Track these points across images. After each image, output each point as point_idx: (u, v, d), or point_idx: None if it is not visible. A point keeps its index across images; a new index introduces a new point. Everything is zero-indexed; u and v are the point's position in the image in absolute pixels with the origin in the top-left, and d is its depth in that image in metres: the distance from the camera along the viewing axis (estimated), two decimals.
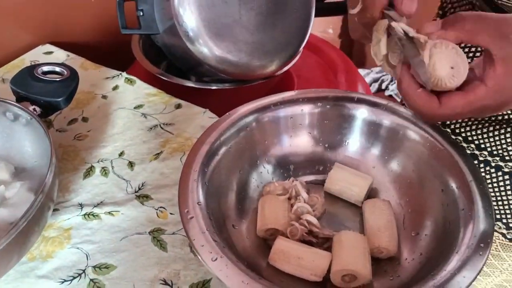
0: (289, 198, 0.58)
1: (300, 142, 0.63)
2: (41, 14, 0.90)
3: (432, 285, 0.42)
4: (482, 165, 0.62)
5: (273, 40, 0.80)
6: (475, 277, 0.43)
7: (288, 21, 0.81)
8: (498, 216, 0.63)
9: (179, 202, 0.49)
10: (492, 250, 0.65)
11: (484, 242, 0.45)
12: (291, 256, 0.50)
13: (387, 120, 0.59)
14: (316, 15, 0.87)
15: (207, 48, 0.76)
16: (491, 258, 0.66)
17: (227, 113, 0.60)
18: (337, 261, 0.49)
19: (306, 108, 0.62)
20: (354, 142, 0.62)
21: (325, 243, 0.54)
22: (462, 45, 0.52)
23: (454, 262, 0.44)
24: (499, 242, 0.64)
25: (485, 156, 0.61)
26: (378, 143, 0.60)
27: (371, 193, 0.60)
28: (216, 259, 0.44)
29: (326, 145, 0.63)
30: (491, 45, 0.41)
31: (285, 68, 0.86)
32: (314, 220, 0.54)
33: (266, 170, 0.62)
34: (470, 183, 0.51)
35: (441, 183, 0.53)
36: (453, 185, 0.52)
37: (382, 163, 0.60)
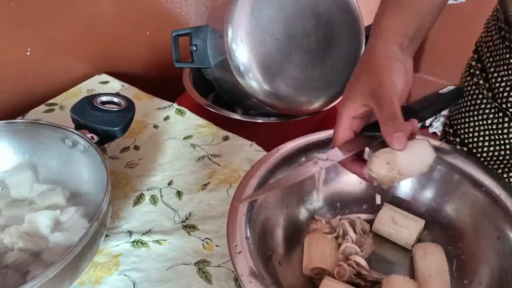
0: (336, 237, 0.57)
1: (348, 180, 0.62)
2: (98, 45, 0.95)
3: None
4: None
5: (321, 77, 0.81)
6: None
7: (337, 58, 0.82)
8: None
9: (227, 236, 0.49)
10: None
11: None
12: None
13: (441, 162, 0.57)
14: None
15: (256, 83, 0.78)
16: None
17: (276, 148, 0.61)
18: None
19: None
20: (405, 182, 0.61)
21: (373, 287, 0.53)
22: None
23: None
24: None
25: None
26: (430, 185, 0.59)
27: (422, 237, 0.58)
28: None
29: (375, 184, 0.62)
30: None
31: (332, 104, 0.87)
32: (363, 261, 0.53)
33: (313, 207, 0.61)
34: None
35: (497, 230, 0.51)
36: (510, 233, 0.50)
37: (434, 206, 0.58)
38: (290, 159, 0.60)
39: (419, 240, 0.57)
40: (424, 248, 0.54)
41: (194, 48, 0.83)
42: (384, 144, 0.45)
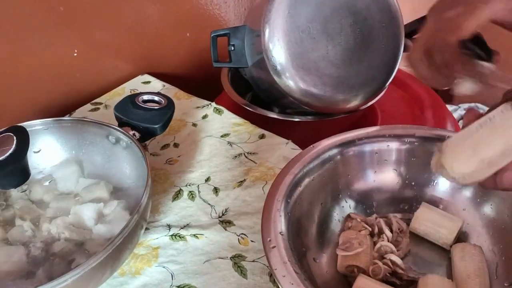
0: (372, 235, 0.57)
1: (385, 179, 0.62)
2: (141, 47, 0.98)
3: None
4: None
5: (359, 75, 0.80)
6: None
7: (375, 56, 0.81)
8: None
9: (262, 231, 0.50)
10: None
11: None
12: None
13: None
14: (405, 51, 0.87)
15: (293, 82, 0.78)
16: None
17: (311, 145, 0.61)
18: None
19: (393, 144, 0.61)
20: (443, 181, 0.60)
21: (409, 286, 0.52)
22: None
23: None
24: None
25: None
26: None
27: (461, 237, 0.57)
28: None
29: (413, 183, 0.62)
30: None
31: (370, 103, 0.86)
32: (398, 260, 0.52)
33: (348, 205, 0.61)
34: None
35: None
36: None
37: (474, 206, 0.57)
38: (325, 157, 0.60)
39: (457, 240, 0.56)
40: (463, 248, 0.53)
41: (232, 48, 0.84)
42: None
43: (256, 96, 0.98)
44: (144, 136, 0.65)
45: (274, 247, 0.48)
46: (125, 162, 0.64)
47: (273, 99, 0.93)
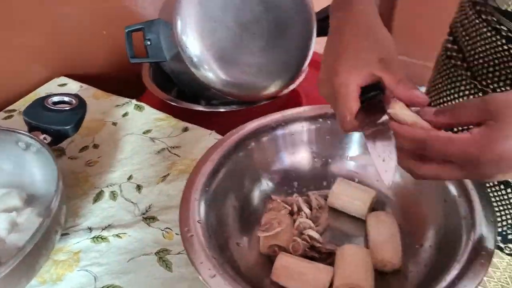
0: (292, 214, 0.58)
1: (301, 159, 0.63)
2: (54, 49, 0.94)
3: None
4: (502, 186, 0.56)
5: (276, 61, 0.82)
6: (477, 286, 0.42)
7: (290, 42, 0.82)
8: None
9: (180, 221, 0.50)
10: None
11: (485, 250, 0.45)
12: (293, 272, 0.50)
13: None
14: (319, 35, 0.89)
15: (211, 73, 0.78)
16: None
17: (228, 133, 0.62)
18: (339, 275, 0.49)
19: (306, 125, 0.63)
20: (355, 156, 0.62)
21: (329, 258, 0.54)
22: None
23: (455, 271, 0.43)
24: None
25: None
26: None
27: (376, 207, 0.60)
28: (214, 275, 0.44)
29: (329, 160, 0.64)
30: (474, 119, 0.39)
31: (290, 88, 0.88)
32: (316, 235, 0.54)
33: (269, 188, 0.62)
34: (471, 191, 0.50)
35: (443, 193, 0.53)
36: (455, 194, 0.52)
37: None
38: (244, 143, 0.61)
39: (373, 210, 0.58)
40: (376, 217, 0.56)
41: (148, 43, 0.83)
42: None
43: (181, 92, 0.97)
44: (56, 139, 0.63)
45: (192, 235, 0.48)
46: (37, 168, 0.61)
47: (197, 92, 0.93)
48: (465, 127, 0.54)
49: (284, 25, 0.81)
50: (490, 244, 0.45)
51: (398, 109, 0.41)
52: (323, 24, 1.06)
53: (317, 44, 0.90)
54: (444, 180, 0.40)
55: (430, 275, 0.48)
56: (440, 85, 0.68)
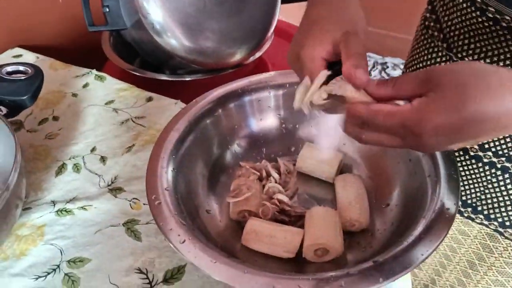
0: (260, 180, 0.58)
1: (269, 125, 0.63)
2: (8, 18, 0.89)
3: (399, 251, 0.43)
4: (487, 167, 0.56)
5: (240, 27, 0.80)
6: (441, 241, 0.43)
7: (254, 8, 0.81)
8: (508, 223, 0.58)
9: (146, 189, 0.49)
10: (505, 258, 0.61)
11: (450, 205, 0.46)
12: (263, 235, 0.50)
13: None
14: (283, 2, 0.88)
15: (174, 39, 0.76)
16: (505, 266, 0.62)
17: (194, 100, 0.60)
18: (309, 236, 0.50)
19: (273, 91, 0.62)
20: (323, 121, 0.62)
21: (298, 221, 0.54)
22: None
23: (420, 227, 0.45)
24: (511, 249, 0.60)
25: (490, 158, 0.55)
26: None
27: (344, 169, 0.60)
28: (184, 241, 0.44)
29: (297, 126, 0.64)
30: (416, 90, 0.38)
31: (256, 55, 0.86)
32: (285, 198, 0.54)
33: (238, 155, 0.62)
34: None
35: (408, 153, 0.54)
36: (419, 153, 0.52)
37: (351, 139, 0.60)
38: (211, 109, 0.60)
39: (341, 173, 0.59)
40: (344, 179, 0.56)
41: (107, 10, 0.79)
42: None
43: (145, 62, 0.94)
44: (13, 111, 0.60)
45: (159, 203, 0.48)
46: None
47: (161, 61, 0.90)
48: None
49: None
50: (454, 200, 0.46)
51: (340, 84, 0.41)
52: None
53: (283, 12, 0.89)
54: (387, 147, 0.41)
55: (396, 233, 0.49)
56: (417, 56, 0.68)
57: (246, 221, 0.53)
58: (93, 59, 0.91)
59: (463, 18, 0.57)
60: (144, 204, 0.59)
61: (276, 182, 0.57)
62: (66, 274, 0.51)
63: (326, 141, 0.48)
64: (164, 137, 0.55)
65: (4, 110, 0.59)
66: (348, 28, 0.43)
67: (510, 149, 0.54)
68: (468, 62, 0.38)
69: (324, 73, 0.43)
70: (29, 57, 0.86)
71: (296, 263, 0.50)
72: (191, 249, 0.43)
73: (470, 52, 0.57)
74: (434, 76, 0.37)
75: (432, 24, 0.64)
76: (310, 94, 0.43)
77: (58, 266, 0.52)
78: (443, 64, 0.63)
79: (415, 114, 0.37)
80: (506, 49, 0.49)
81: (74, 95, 0.76)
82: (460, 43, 0.58)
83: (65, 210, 0.58)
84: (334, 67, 0.44)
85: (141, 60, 0.98)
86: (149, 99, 0.75)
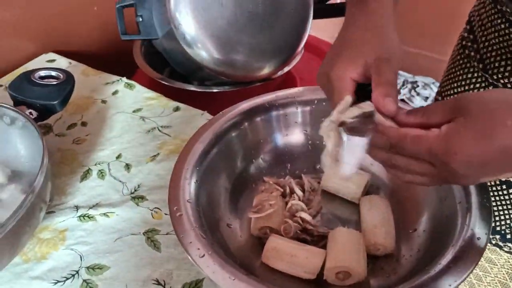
0: (284, 196, 0.57)
1: (295, 141, 0.62)
2: (44, 24, 0.92)
3: (426, 279, 0.41)
4: (504, 186, 0.55)
5: (271, 42, 0.80)
6: (471, 271, 0.41)
7: (286, 22, 0.80)
8: None
9: (168, 200, 0.49)
10: None
11: (481, 234, 0.44)
12: (284, 254, 0.49)
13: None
14: (315, 17, 0.87)
15: (204, 51, 0.76)
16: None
17: (221, 112, 0.60)
18: (331, 258, 0.48)
19: (301, 107, 0.62)
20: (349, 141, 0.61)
21: (321, 241, 0.53)
22: None
23: (449, 255, 0.43)
24: None
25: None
26: None
27: (371, 191, 0.59)
28: (203, 255, 0.43)
29: (324, 143, 0.62)
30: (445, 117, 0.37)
31: (285, 70, 0.86)
32: (308, 217, 0.53)
33: (262, 169, 0.61)
34: None
35: None
36: None
37: None
38: (237, 122, 0.60)
39: (367, 194, 0.57)
40: (370, 201, 0.55)
41: (140, 19, 0.81)
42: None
43: (174, 72, 0.95)
44: (43, 114, 0.61)
45: (181, 214, 0.47)
46: (22, 144, 0.59)
47: (189, 72, 0.91)
48: None
49: (280, 5, 0.79)
50: (486, 229, 0.44)
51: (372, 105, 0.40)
52: (320, 6, 1.04)
53: (314, 28, 0.88)
54: (417, 175, 0.39)
55: (423, 260, 0.47)
56: (452, 76, 0.66)
57: (267, 238, 0.52)
58: (124, 67, 0.92)
59: (501, 39, 0.55)
60: (165, 214, 0.58)
61: (299, 200, 0.56)
62: (84, 281, 0.51)
63: (349, 158, 0.47)
64: (189, 148, 0.55)
65: (35, 114, 0.60)
66: (381, 53, 0.42)
67: None
68: (499, 89, 0.37)
69: (348, 98, 0.42)
70: (62, 62, 0.87)
71: (317, 285, 0.49)
72: (210, 264, 0.43)
73: (507, 74, 0.55)
74: (464, 101, 0.36)
75: (469, 44, 0.62)
76: (336, 113, 0.42)
77: (77, 272, 0.52)
78: (478, 85, 0.61)
79: (442, 140, 0.36)
80: None
81: (103, 101, 0.77)
82: (496, 64, 0.57)
83: (88, 216, 0.58)
84: (366, 88, 0.43)
85: (170, 71, 0.98)
86: (176, 109, 0.76)
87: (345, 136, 0.44)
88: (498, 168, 0.35)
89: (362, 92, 0.43)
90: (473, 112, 0.35)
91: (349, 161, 0.46)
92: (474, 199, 0.47)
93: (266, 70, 0.82)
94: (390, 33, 0.45)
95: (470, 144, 0.35)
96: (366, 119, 0.41)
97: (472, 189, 0.48)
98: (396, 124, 0.39)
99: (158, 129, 0.71)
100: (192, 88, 0.86)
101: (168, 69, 0.99)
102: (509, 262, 0.60)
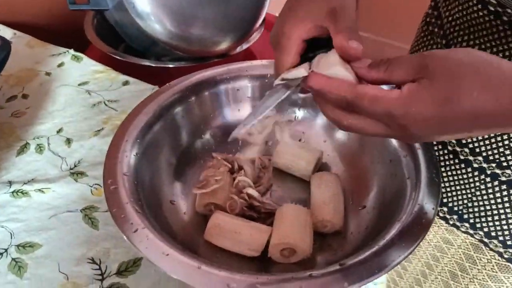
0: (232, 172, 0.54)
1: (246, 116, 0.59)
2: None
3: (369, 255, 0.39)
4: (476, 173, 0.53)
5: (227, 16, 0.77)
6: (415, 246, 0.40)
7: None
8: (493, 234, 0.55)
9: (103, 172, 0.45)
10: (488, 270, 0.58)
11: (428, 209, 0.43)
12: (228, 231, 0.47)
13: None
14: None
15: (156, 23, 0.73)
16: (487, 280, 0.59)
17: (167, 84, 0.57)
18: (276, 234, 0.46)
19: (252, 81, 0.59)
20: (303, 116, 0.59)
21: (268, 219, 0.51)
22: None
23: (394, 231, 0.41)
24: (495, 262, 0.57)
25: (480, 163, 0.52)
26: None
27: (323, 168, 0.57)
28: (136, 230, 0.40)
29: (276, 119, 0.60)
30: (409, 75, 0.35)
31: (243, 47, 0.83)
32: (255, 193, 0.51)
33: (211, 145, 0.58)
34: (418, 151, 0.48)
35: (389, 153, 0.51)
36: (401, 154, 0.49)
37: (331, 136, 0.57)
38: (184, 95, 0.56)
39: (319, 170, 0.56)
40: (320, 177, 0.53)
41: None
42: None
43: (129, 47, 0.90)
44: None
45: (115, 188, 0.44)
46: None
47: (144, 47, 0.87)
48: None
49: None
50: (433, 204, 0.43)
51: (326, 63, 0.38)
52: None
53: (274, 6, 0.86)
54: (369, 135, 0.37)
55: (370, 236, 0.46)
56: (415, 52, 0.65)
57: (212, 215, 0.49)
58: (75, 42, 0.87)
59: (464, 12, 0.54)
60: None
61: (246, 176, 0.53)
62: (13, 259, 0.48)
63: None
64: (131, 119, 0.52)
65: None
66: (334, 4, 0.39)
67: (501, 154, 0.51)
68: (469, 49, 0.35)
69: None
70: (7, 32, 0.82)
71: (261, 263, 0.46)
72: (143, 239, 0.40)
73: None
74: (430, 61, 0.34)
75: (433, 20, 0.61)
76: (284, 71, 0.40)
77: (6, 250, 0.49)
78: None
79: (403, 103, 0.33)
80: (506, 46, 0.46)
81: (48, 74, 0.73)
82: (459, 39, 0.56)
83: (21, 192, 0.54)
84: (319, 50, 0.41)
85: (125, 46, 0.94)
86: (126, 83, 0.72)
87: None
88: (453, 131, 0.34)
89: (315, 53, 0.41)
90: (438, 75, 0.33)
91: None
92: (423, 174, 0.46)
93: (222, 46, 0.79)
94: None
95: (431, 109, 0.33)
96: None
97: (422, 164, 0.46)
98: (356, 77, 0.37)
99: (105, 103, 0.67)
100: (145, 63, 0.82)
101: (123, 45, 0.94)
102: (465, 242, 0.59)
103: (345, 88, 0.36)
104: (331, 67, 0.37)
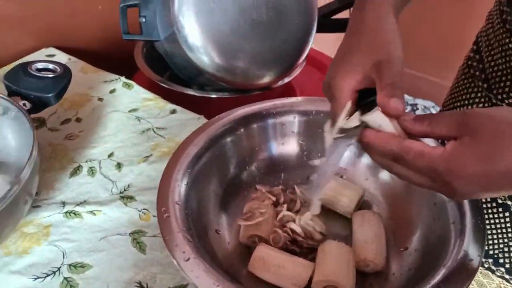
0: (276, 205, 0.56)
1: (290, 150, 0.61)
2: (46, 19, 0.91)
3: None
4: (500, 209, 0.54)
5: (272, 51, 0.79)
6: None
7: (289, 33, 0.80)
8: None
9: (157, 200, 0.48)
10: None
11: (474, 256, 0.43)
12: (271, 264, 0.48)
13: None
14: (320, 31, 0.87)
15: (205, 55, 0.76)
16: None
17: (217, 116, 0.59)
18: (319, 271, 0.47)
19: (298, 116, 0.61)
20: (346, 153, 0.60)
21: (310, 254, 0.52)
22: None
23: (440, 275, 0.41)
24: None
25: (504, 199, 0.53)
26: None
27: (364, 206, 0.58)
28: (188, 259, 0.42)
29: (319, 155, 0.62)
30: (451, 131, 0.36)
31: (285, 80, 0.86)
32: (298, 229, 0.52)
33: (255, 177, 0.60)
34: None
35: (433, 196, 0.51)
36: (445, 198, 0.50)
37: (374, 174, 0.58)
38: (232, 128, 0.59)
39: (360, 209, 0.56)
40: (362, 216, 0.54)
41: (143, 20, 0.80)
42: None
43: (174, 76, 0.94)
44: (37, 107, 0.60)
45: (168, 216, 0.46)
46: (13, 134, 0.58)
47: (189, 77, 0.90)
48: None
49: (284, 15, 0.79)
50: (479, 251, 0.43)
51: (374, 116, 0.39)
52: (325, 21, 1.04)
53: (317, 41, 0.88)
54: (415, 185, 0.39)
55: (413, 279, 0.46)
56: (456, 95, 0.66)
57: (255, 247, 0.51)
58: (125, 68, 0.91)
59: (507, 58, 0.55)
60: (153, 216, 0.57)
61: (290, 210, 0.55)
62: (65, 278, 0.50)
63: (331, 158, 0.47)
64: (182, 150, 0.54)
65: (28, 105, 0.59)
66: (381, 56, 0.41)
67: None
68: (507, 108, 0.35)
69: (348, 105, 0.42)
70: (62, 57, 0.87)
71: None
72: (195, 269, 0.41)
73: (511, 94, 0.55)
74: (471, 119, 0.35)
75: (475, 64, 0.62)
76: (339, 121, 0.42)
77: (59, 269, 0.51)
78: (481, 105, 0.60)
79: (446, 160, 0.35)
80: None
81: (100, 99, 0.76)
82: (501, 84, 0.56)
83: (74, 213, 0.57)
84: (370, 98, 0.43)
85: (170, 74, 0.98)
86: (173, 112, 0.75)
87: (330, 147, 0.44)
88: (497, 188, 0.35)
89: (366, 102, 0.43)
90: (480, 132, 0.34)
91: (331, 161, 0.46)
92: (468, 220, 0.46)
93: (266, 79, 0.81)
94: (389, 34, 0.44)
95: (474, 167, 0.34)
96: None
97: (467, 210, 0.47)
98: (402, 129, 0.39)
99: (153, 130, 0.70)
100: (190, 92, 0.85)
101: (168, 73, 0.98)
102: (500, 286, 0.59)
103: (392, 142, 0.38)
104: (378, 120, 0.39)
